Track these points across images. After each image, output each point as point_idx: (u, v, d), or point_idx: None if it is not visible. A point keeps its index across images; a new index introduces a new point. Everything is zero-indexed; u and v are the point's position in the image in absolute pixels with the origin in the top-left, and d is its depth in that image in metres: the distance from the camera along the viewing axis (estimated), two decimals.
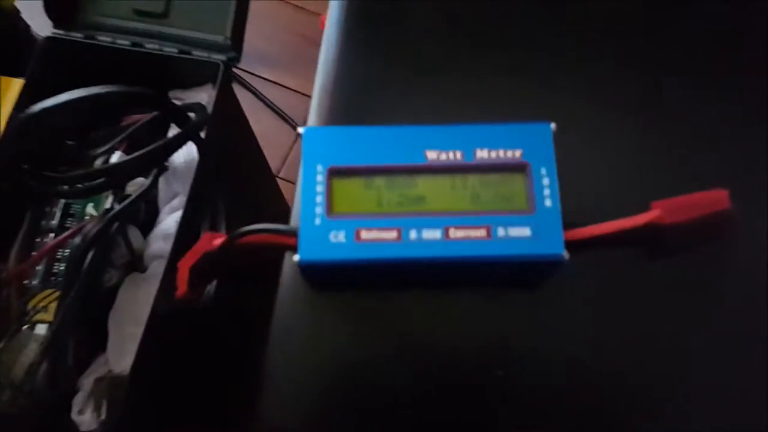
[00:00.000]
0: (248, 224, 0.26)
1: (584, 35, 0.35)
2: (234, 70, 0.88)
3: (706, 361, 0.29)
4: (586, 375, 0.29)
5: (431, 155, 0.26)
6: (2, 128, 0.49)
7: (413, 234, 0.24)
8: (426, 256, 0.24)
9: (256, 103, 0.92)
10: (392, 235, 0.24)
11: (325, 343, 0.28)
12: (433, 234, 0.24)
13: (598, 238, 0.25)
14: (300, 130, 0.26)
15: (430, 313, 0.29)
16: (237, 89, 0.82)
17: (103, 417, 0.48)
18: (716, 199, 0.27)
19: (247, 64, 0.93)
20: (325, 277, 0.26)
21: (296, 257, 0.24)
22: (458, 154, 0.26)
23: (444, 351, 0.28)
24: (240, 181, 0.58)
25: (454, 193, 0.25)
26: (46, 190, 0.44)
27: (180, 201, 0.53)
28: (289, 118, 0.95)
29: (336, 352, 0.28)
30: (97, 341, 0.50)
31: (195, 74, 0.54)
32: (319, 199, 0.25)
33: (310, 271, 0.24)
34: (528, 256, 0.24)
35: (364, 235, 0.24)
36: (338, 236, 0.24)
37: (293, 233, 0.25)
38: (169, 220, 0.53)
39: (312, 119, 0.32)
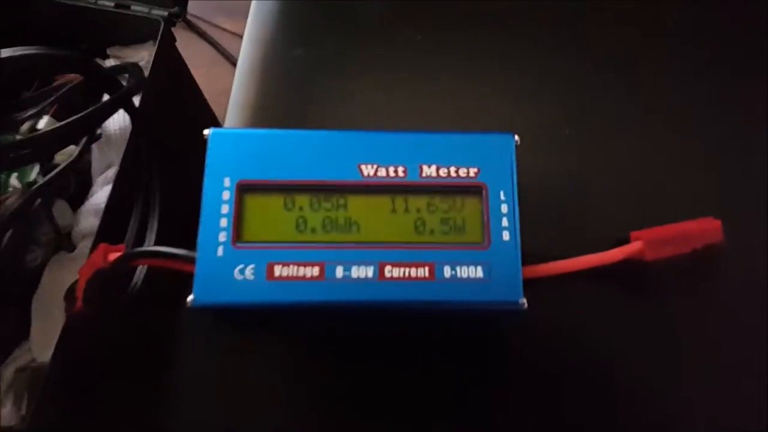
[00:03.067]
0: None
1: (553, 39, 0.29)
2: (191, 19, 0.80)
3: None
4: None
5: (367, 170, 0.21)
6: None
7: (340, 271, 0.20)
8: (353, 300, 0.19)
9: (215, 56, 0.84)
10: (314, 272, 0.20)
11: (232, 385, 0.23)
12: (364, 272, 0.20)
13: (565, 275, 0.21)
14: (206, 132, 0.20)
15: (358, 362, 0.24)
16: (195, 41, 0.74)
17: (23, 411, 0.45)
18: (708, 230, 0.22)
19: (206, 13, 0.84)
20: (231, 316, 0.22)
21: (190, 298, 0.19)
22: (400, 170, 0.21)
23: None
24: (183, 152, 0.53)
25: (393, 219, 0.20)
26: None
27: (115, 172, 0.48)
28: None
29: (241, 397, 0.23)
30: (19, 327, 0.46)
31: (136, 30, 0.48)
32: (223, 222, 0.20)
33: (210, 311, 0.20)
34: (478, 303, 0.20)
35: (278, 271, 0.19)
36: (245, 272, 0.19)
37: (194, 261, 0.20)
38: (102, 194, 0.48)
39: (230, 116, 0.27)
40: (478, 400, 0.24)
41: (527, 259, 0.21)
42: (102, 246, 0.24)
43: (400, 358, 0.24)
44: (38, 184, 0.44)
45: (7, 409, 0.44)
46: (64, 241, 0.47)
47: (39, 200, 0.45)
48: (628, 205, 0.25)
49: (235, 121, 0.26)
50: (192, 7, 0.79)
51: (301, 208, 0.20)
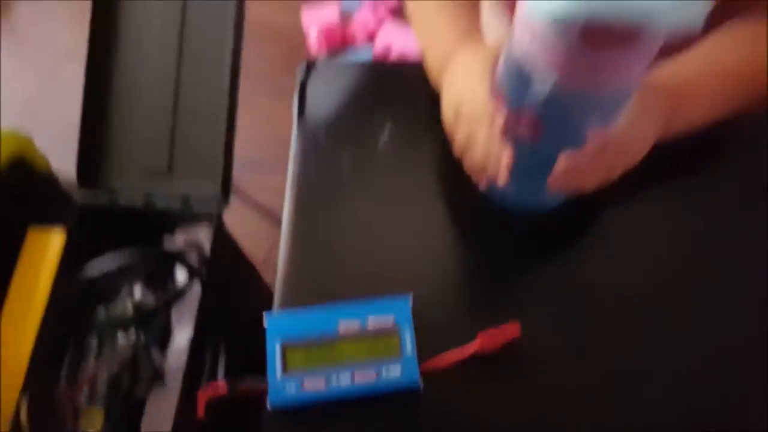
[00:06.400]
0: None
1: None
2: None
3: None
4: None
5: (343, 324, 0.44)
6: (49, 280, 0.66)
7: (334, 381, 0.43)
8: (342, 395, 0.42)
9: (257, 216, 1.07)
10: (321, 384, 0.42)
11: None
12: (345, 380, 0.43)
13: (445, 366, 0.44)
14: (264, 318, 0.44)
15: None
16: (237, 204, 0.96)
17: None
18: (511, 330, 0.45)
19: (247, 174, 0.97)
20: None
21: (268, 402, 0.42)
22: (357, 323, 0.44)
23: None
24: (236, 298, 0.76)
25: (356, 347, 0.44)
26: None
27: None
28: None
29: None
30: None
31: (195, 216, 0.69)
32: (278, 364, 0.43)
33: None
34: (399, 388, 0.43)
35: (307, 385, 0.42)
36: (291, 387, 0.42)
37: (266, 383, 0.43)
38: (180, 338, 0.70)
39: (277, 299, 0.49)
40: None
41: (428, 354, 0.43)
42: (213, 383, 0.46)
43: None
44: (142, 342, 0.67)
45: None
46: (159, 375, 0.69)
47: (144, 352, 0.67)
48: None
49: (284, 295, 0.49)
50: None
51: (316, 351, 0.43)
